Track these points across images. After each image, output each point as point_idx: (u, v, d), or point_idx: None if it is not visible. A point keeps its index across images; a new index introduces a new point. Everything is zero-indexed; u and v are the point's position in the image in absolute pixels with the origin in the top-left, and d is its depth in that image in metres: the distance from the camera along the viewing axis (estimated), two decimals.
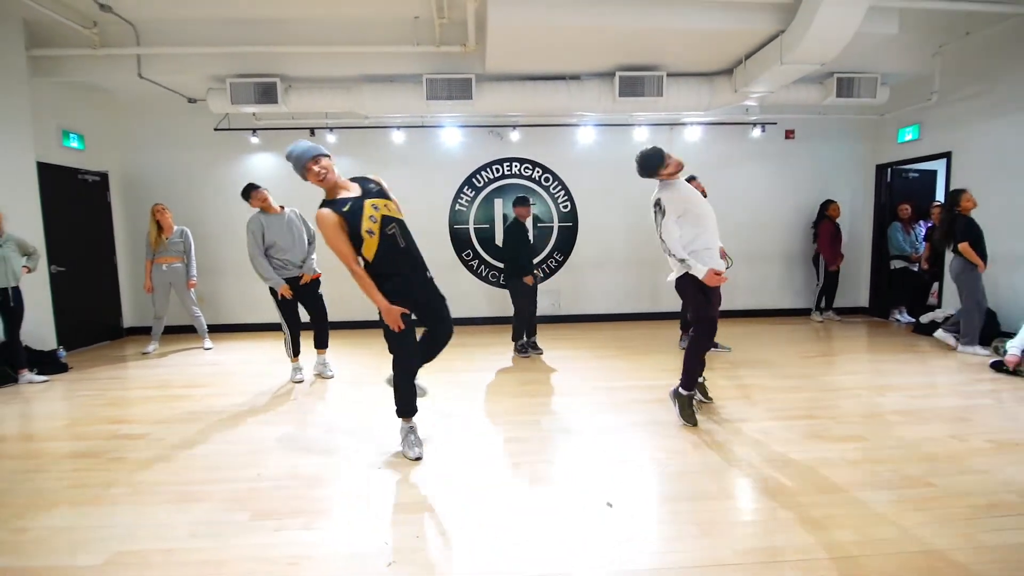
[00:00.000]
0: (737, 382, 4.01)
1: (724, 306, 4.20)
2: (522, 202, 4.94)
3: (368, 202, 2.49)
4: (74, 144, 5.73)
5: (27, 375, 4.42)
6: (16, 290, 4.30)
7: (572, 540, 2.01)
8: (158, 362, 5.22)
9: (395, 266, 2.55)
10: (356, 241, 2.47)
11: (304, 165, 2.51)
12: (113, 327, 6.33)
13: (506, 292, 5.09)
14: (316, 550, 1.98)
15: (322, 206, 2.49)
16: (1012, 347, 4.06)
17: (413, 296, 2.60)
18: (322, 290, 4.40)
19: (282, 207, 4.24)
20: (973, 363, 4.44)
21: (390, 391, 2.82)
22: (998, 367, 4.13)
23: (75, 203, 5.75)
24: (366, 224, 2.44)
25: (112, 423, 3.44)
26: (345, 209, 2.44)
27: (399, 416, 2.80)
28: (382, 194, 2.58)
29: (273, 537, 2.08)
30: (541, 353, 5.11)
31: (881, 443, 2.84)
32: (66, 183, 5.61)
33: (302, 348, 4.39)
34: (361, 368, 4.75)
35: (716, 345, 4.82)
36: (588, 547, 1.95)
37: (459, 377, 4.31)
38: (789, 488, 2.36)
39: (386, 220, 2.50)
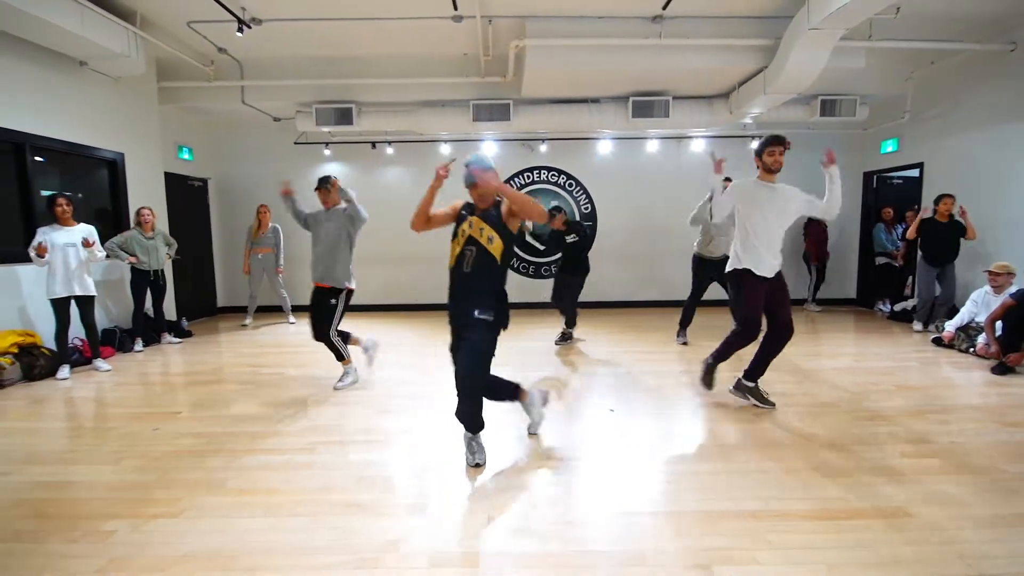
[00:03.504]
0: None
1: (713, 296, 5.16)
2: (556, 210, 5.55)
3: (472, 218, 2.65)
4: (186, 156, 7.07)
5: (167, 337, 5.73)
6: (162, 272, 5.59)
7: None
8: (255, 332, 6.50)
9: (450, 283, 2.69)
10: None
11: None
12: (209, 305, 7.68)
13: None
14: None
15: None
16: (949, 326, 4.99)
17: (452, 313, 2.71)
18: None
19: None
20: (922, 340, 5.35)
21: None
22: (938, 342, 5.06)
23: (184, 205, 7.08)
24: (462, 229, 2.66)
25: (251, 366, 4.68)
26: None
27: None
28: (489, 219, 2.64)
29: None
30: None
31: (812, 386, 3.88)
32: (179, 188, 6.94)
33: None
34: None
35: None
36: None
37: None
38: (751, 414, 3.43)
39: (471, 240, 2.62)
